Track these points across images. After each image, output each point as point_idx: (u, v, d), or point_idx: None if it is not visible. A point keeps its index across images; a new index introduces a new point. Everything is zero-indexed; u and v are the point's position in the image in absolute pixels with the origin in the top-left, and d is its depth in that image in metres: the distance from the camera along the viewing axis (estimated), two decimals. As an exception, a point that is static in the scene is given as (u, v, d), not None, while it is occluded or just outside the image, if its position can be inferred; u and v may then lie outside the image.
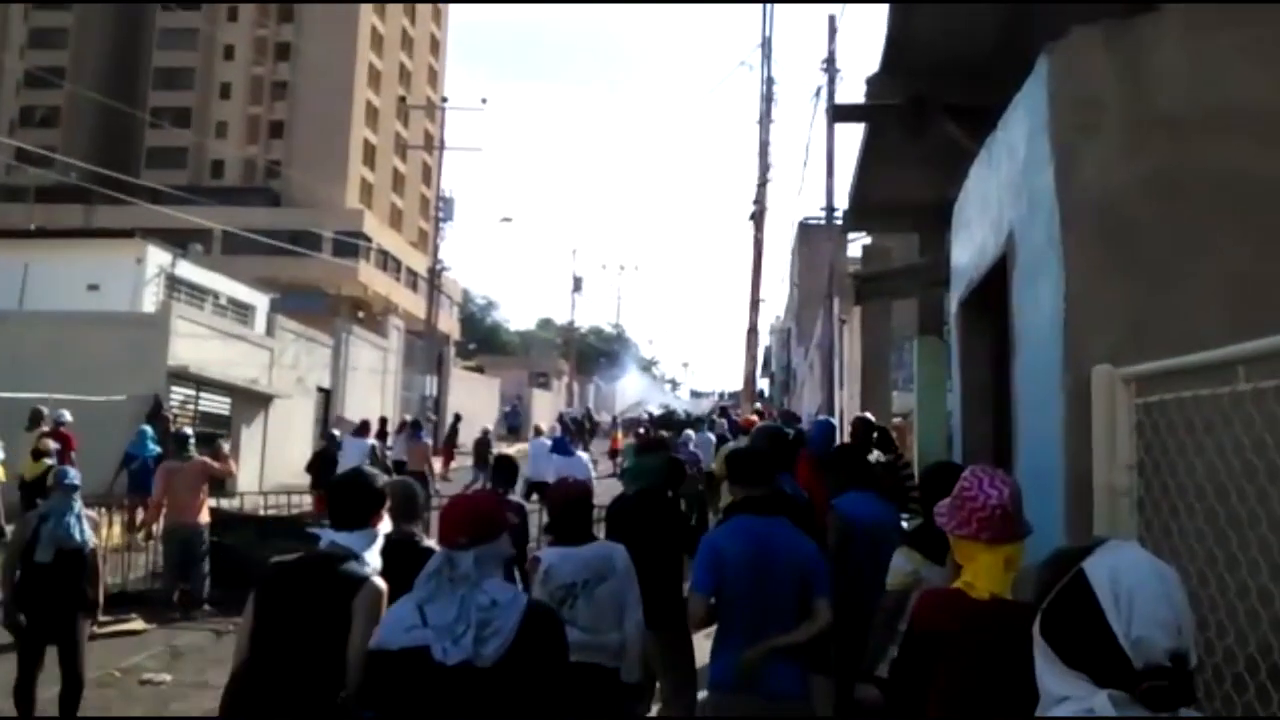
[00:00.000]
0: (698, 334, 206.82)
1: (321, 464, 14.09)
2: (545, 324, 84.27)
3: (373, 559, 3.42)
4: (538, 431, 18.30)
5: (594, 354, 78.05)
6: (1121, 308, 3.82)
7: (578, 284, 60.69)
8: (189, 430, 11.71)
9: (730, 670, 4.10)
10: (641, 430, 18.29)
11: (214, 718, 3.71)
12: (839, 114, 8.84)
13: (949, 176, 8.32)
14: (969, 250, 5.87)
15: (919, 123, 7.80)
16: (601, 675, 4.40)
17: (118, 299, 20.37)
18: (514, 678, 2.91)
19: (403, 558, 4.37)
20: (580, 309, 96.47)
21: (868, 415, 8.84)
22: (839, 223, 13.15)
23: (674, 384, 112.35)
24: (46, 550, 6.29)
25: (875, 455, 8.72)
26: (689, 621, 4.48)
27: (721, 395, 67.95)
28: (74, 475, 6.76)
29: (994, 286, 5.06)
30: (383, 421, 19.23)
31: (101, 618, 9.08)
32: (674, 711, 4.99)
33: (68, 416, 14.12)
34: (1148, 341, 3.55)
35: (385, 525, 3.55)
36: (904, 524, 7.12)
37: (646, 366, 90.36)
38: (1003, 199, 4.91)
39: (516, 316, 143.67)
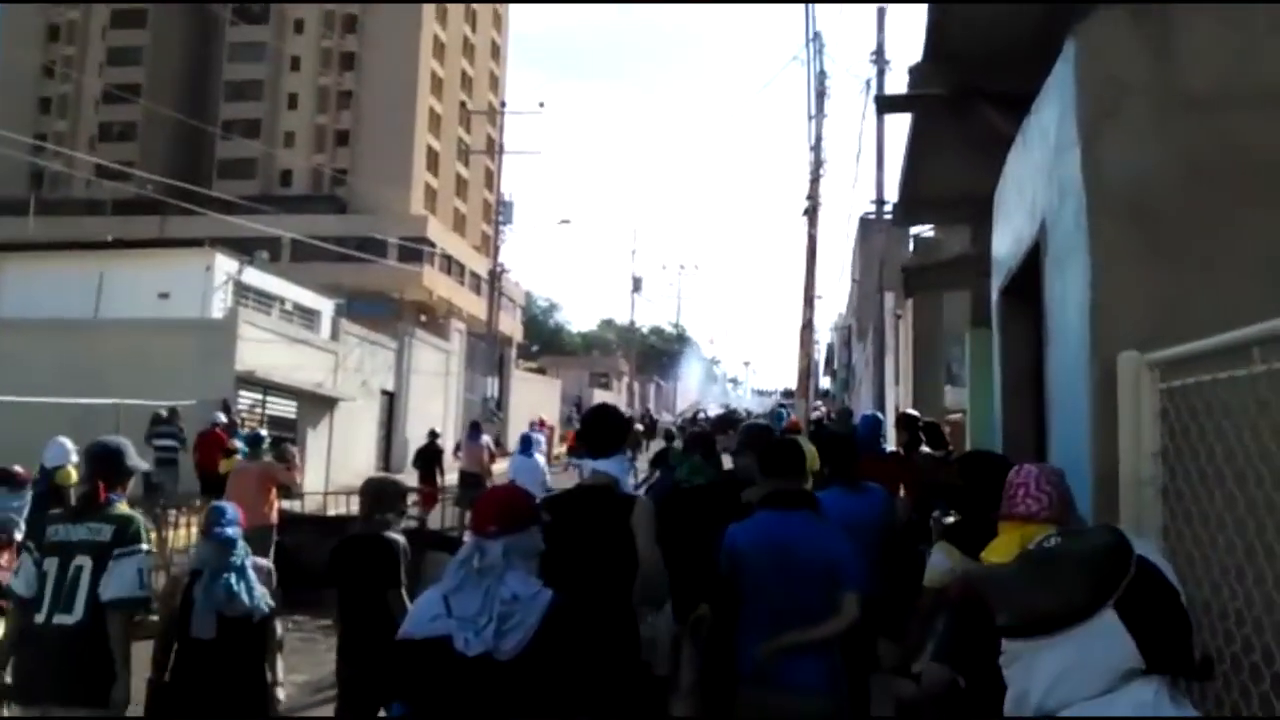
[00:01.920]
0: (760, 332, 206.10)
1: (427, 458, 17.03)
2: (607, 324, 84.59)
3: (627, 479, 4.01)
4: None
5: (655, 354, 78.11)
6: (1150, 294, 3.73)
7: (637, 284, 60.85)
8: (263, 432, 11.95)
9: (749, 664, 4.10)
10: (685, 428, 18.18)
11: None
12: (885, 105, 8.76)
13: (994, 165, 8.20)
14: (1008, 238, 5.78)
15: (961, 110, 7.70)
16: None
17: (188, 306, 20.95)
18: (533, 672, 2.93)
19: (367, 549, 5.12)
20: (640, 309, 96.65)
21: (911, 411, 8.72)
22: (889, 216, 13.01)
23: (735, 382, 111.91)
24: (205, 621, 4.46)
25: (925, 450, 8.62)
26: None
27: (786, 394, 67.54)
28: (232, 514, 4.85)
29: (1031, 274, 4.98)
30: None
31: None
32: (695, 703, 4.99)
33: (223, 418, 15.02)
34: (1178, 328, 3.46)
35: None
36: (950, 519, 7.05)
37: (710, 366, 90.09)
38: (1036, 185, 4.83)
39: (579, 318, 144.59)
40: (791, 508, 4.26)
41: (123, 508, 4.42)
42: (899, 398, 12.41)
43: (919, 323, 11.40)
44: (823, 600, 4.18)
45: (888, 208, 13.67)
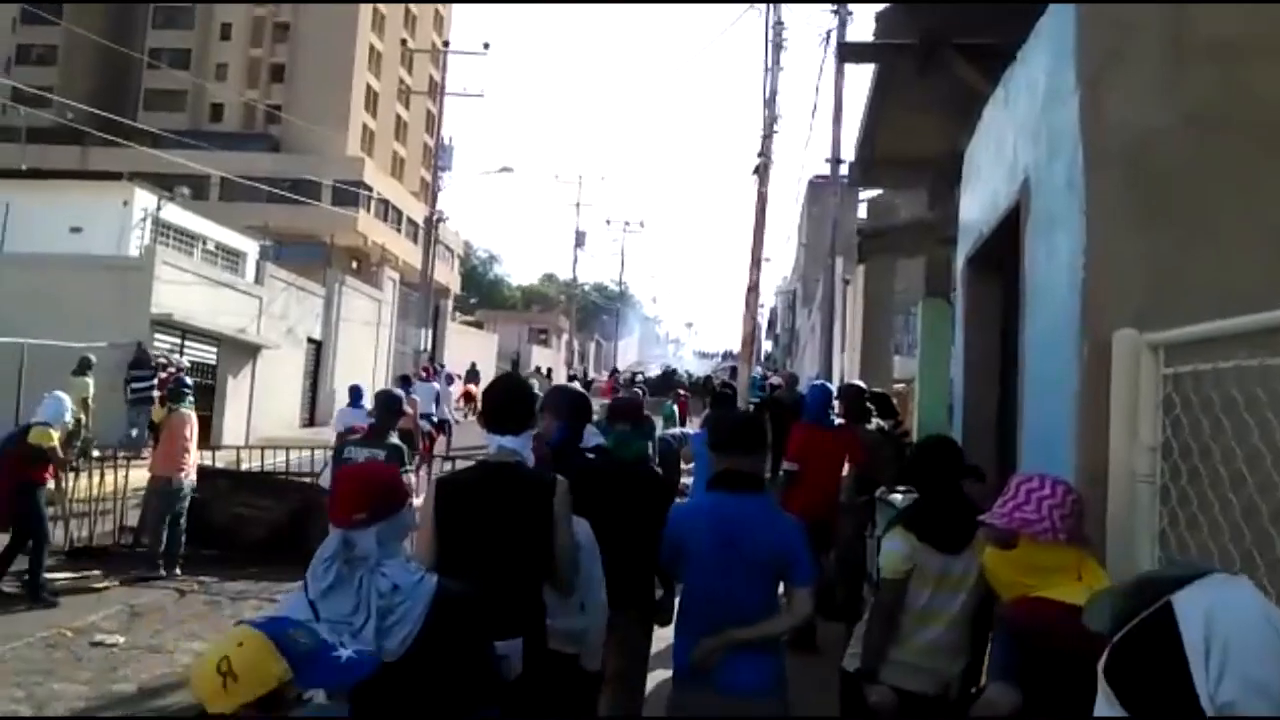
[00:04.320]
0: (703, 293, 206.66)
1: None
2: (548, 279, 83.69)
3: (529, 458, 3.58)
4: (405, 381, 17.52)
5: (596, 311, 77.48)
6: (1150, 264, 3.31)
7: (580, 239, 60.02)
8: (188, 380, 11.22)
9: (686, 660, 3.66)
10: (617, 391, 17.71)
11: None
12: (847, 53, 8.28)
13: (961, 125, 7.78)
14: (979, 201, 5.35)
15: (930, 63, 7.25)
16: (559, 661, 3.95)
17: (103, 243, 19.89)
18: (426, 670, 2.53)
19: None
20: (583, 265, 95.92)
21: (858, 383, 8.35)
22: (845, 177, 12.59)
23: (677, 343, 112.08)
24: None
25: (875, 423, 8.26)
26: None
27: (726, 355, 67.55)
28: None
29: (1005, 241, 4.56)
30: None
31: (63, 574, 8.75)
32: (617, 693, 4.54)
33: (185, 362, 14.48)
34: (1181, 304, 3.07)
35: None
36: (899, 496, 6.71)
37: (652, 325, 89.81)
38: (1019, 142, 4.38)
39: (519, 271, 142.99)
40: (743, 490, 3.79)
41: (394, 439, 6.43)
42: (846, 365, 12.09)
43: (870, 289, 11.04)
44: (768, 594, 3.77)
45: (843, 168, 13.24)
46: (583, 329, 69.57)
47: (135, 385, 15.66)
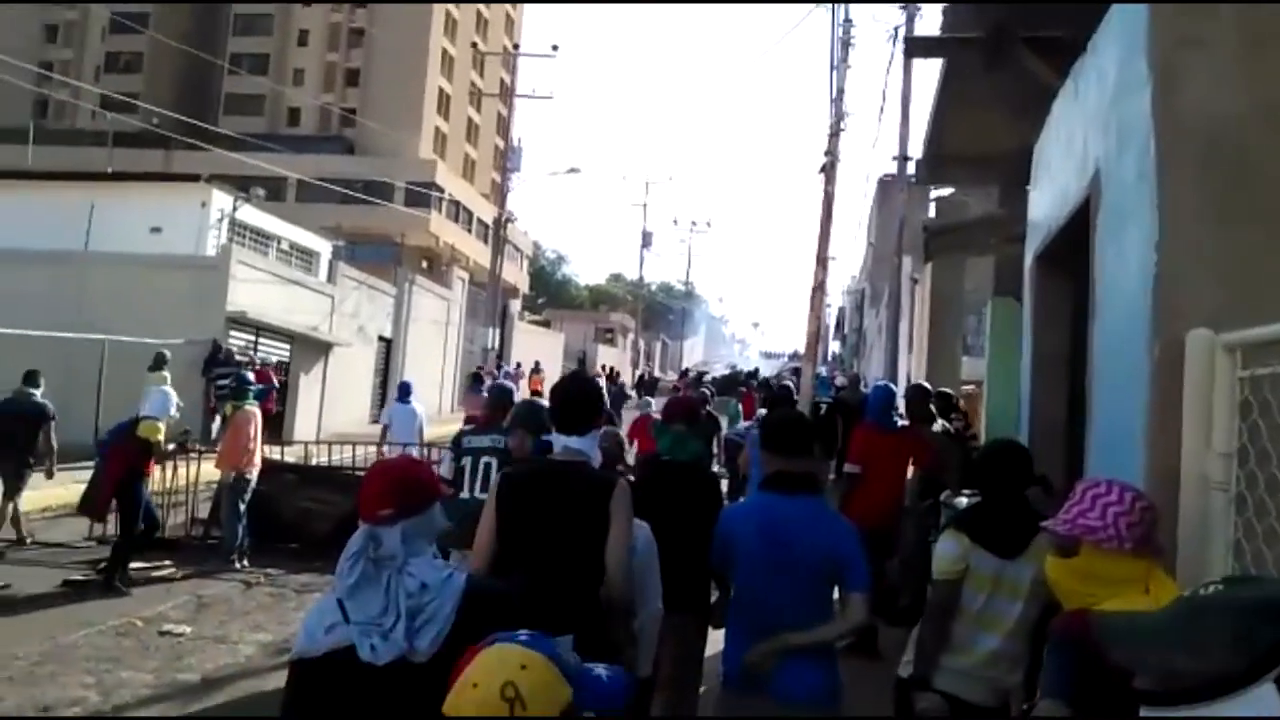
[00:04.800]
0: (769, 293, 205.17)
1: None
2: (615, 279, 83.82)
3: (596, 458, 3.51)
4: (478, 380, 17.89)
5: (663, 311, 77.41)
6: (1226, 259, 3.14)
7: (647, 239, 60.01)
8: (249, 377, 11.43)
9: (737, 667, 3.58)
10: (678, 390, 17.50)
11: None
12: (914, 48, 8.09)
13: (1031, 121, 7.57)
14: (1049, 198, 5.16)
15: (998, 57, 7.06)
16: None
17: (181, 243, 20.37)
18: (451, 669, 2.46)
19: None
20: (650, 265, 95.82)
21: (924, 384, 8.17)
22: (912, 176, 12.34)
23: (743, 343, 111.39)
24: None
25: (940, 424, 8.07)
26: None
27: (794, 356, 66.94)
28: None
29: (1075, 238, 4.39)
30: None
31: (135, 564, 8.98)
32: (671, 697, 4.47)
33: (272, 358, 14.71)
34: (1260, 302, 2.90)
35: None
36: (964, 500, 6.52)
37: (718, 325, 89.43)
38: (1089, 134, 4.21)
39: (587, 271, 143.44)
40: (795, 492, 3.70)
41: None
42: (912, 366, 11.84)
43: (937, 288, 10.78)
44: (821, 599, 3.67)
45: (909, 166, 12.97)
46: (648, 328, 69.59)
47: (220, 382, 16.04)
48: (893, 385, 8.08)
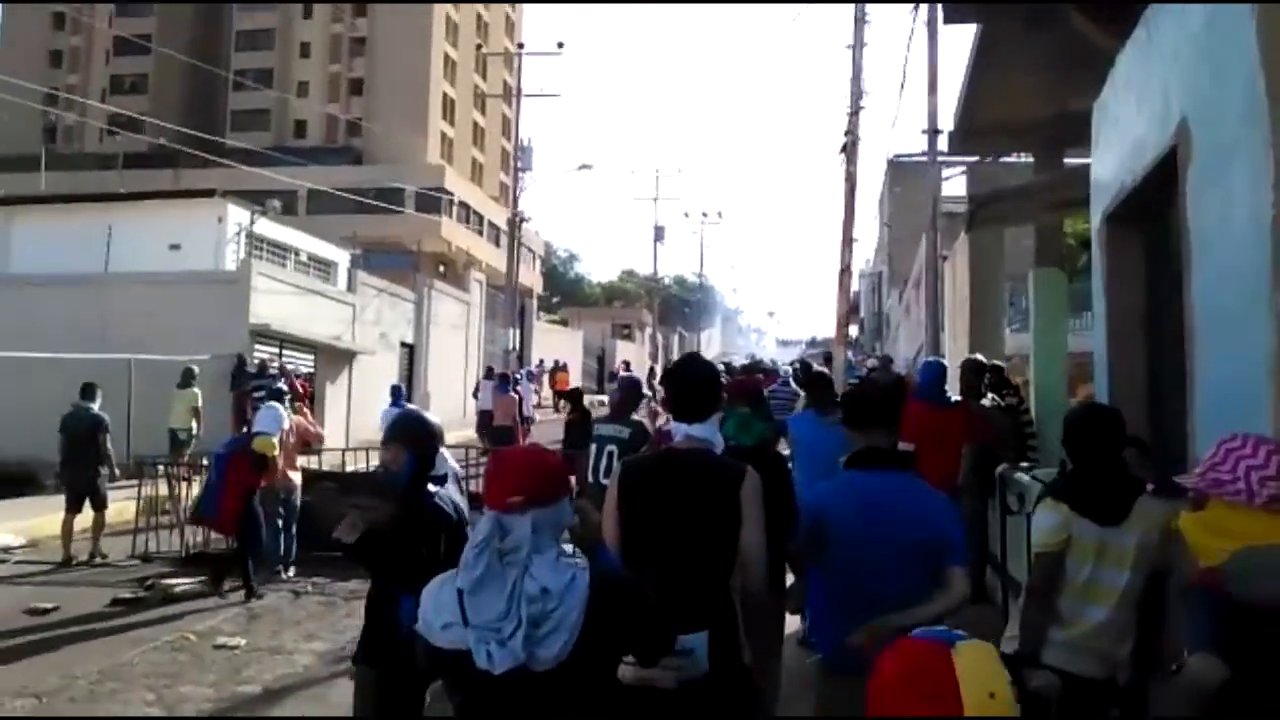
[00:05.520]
0: (782, 282, 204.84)
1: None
2: (628, 275, 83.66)
3: (718, 445, 3.34)
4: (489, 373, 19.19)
5: (678, 304, 77.23)
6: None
7: (659, 234, 59.73)
8: (280, 387, 11.44)
9: (837, 649, 3.42)
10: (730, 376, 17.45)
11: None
12: (950, 13, 7.90)
13: (1073, 84, 7.41)
14: (1117, 154, 4.99)
15: (1039, 19, 6.90)
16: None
17: (200, 259, 20.32)
18: (588, 678, 2.30)
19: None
20: (662, 259, 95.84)
21: (979, 357, 8.01)
22: (924, 152, 12.16)
23: (758, 332, 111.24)
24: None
25: (991, 398, 7.91)
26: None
27: (810, 343, 66.68)
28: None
29: (1153, 193, 4.22)
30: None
31: (181, 580, 8.92)
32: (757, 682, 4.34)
33: (303, 369, 14.73)
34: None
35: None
36: (1023, 474, 6.37)
37: (735, 316, 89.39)
38: (1169, 83, 4.04)
39: (599, 269, 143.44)
40: (886, 467, 3.56)
41: (636, 417, 6.81)
42: (946, 344, 11.66)
43: (976, 262, 10.58)
44: (920, 576, 3.52)
45: (930, 144, 12.76)
46: (665, 322, 69.41)
47: (257, 395, 16.09)
48: (943, 361, 7.92)
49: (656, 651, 2.56)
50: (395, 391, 13.11)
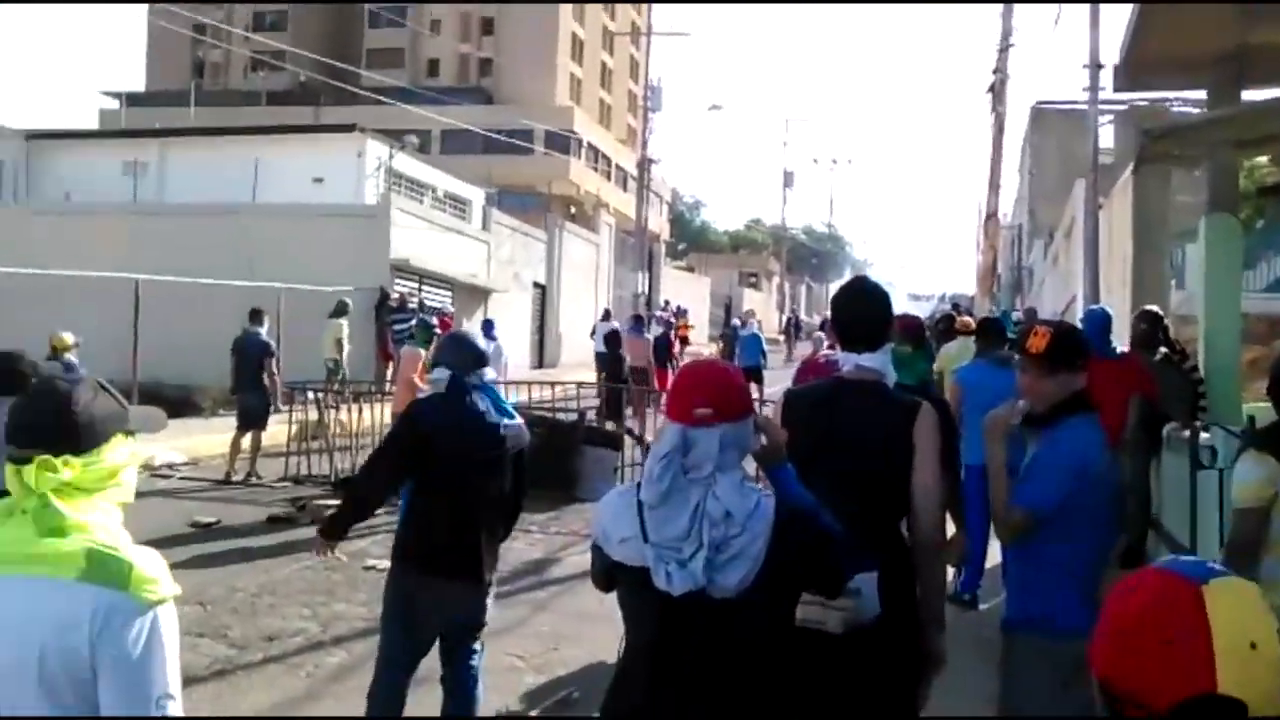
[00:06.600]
0: (915, 235, 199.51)
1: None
2: (755, 223, 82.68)
3: (891, 377, 3.14)
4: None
5: (805, 254, 75.96)
6: None
7: (788, 179, 58.65)
8: (429, 320, 12.03)
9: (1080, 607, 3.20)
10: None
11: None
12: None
13: (1256, 16, 6.83)
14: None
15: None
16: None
17: (340, 193, 20.92)
18: (769, 612, 2.21)
19: None
20: (791, 207, 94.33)
21: (1153, 308, 7.57)
22: (1103, 87, 11.45)
23: (890, 286, 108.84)
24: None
25: (1162, 351, 7.48)
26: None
27: (943, 298, 64.77)
28: None
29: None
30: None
31: (331, 502, 9.26)
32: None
33: (450, 307, 16.39)
34: None
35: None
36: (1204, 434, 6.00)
37: (864, 267, 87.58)
38: None
39: (724, 217, 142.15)
40: (1072, 413, 3.34)
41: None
42: (1103, 296, 11.03)
43: (1139, 207, 9.93)
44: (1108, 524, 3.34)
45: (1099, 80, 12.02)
46: (792, 271, 68.46)
47: (397, 327, 16.47)
48: (1109, 310, 7.49)
49: (832, 589, 2.46)
50: (487, 325, 13.60)
